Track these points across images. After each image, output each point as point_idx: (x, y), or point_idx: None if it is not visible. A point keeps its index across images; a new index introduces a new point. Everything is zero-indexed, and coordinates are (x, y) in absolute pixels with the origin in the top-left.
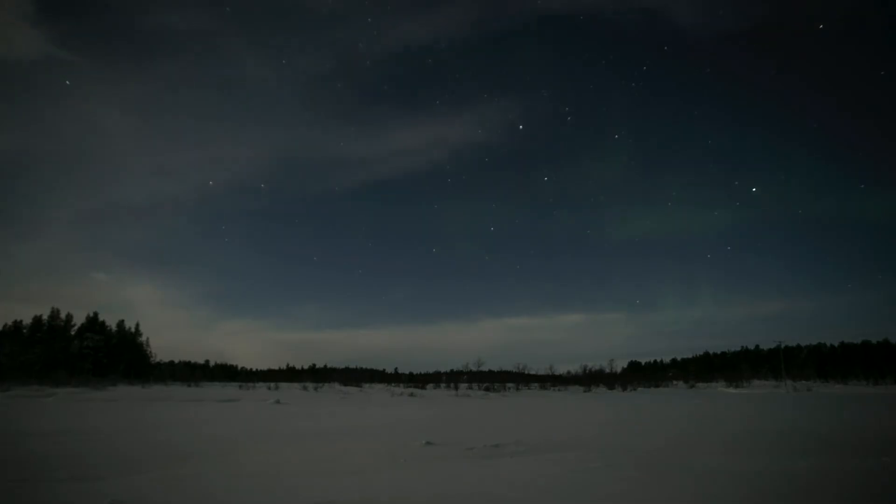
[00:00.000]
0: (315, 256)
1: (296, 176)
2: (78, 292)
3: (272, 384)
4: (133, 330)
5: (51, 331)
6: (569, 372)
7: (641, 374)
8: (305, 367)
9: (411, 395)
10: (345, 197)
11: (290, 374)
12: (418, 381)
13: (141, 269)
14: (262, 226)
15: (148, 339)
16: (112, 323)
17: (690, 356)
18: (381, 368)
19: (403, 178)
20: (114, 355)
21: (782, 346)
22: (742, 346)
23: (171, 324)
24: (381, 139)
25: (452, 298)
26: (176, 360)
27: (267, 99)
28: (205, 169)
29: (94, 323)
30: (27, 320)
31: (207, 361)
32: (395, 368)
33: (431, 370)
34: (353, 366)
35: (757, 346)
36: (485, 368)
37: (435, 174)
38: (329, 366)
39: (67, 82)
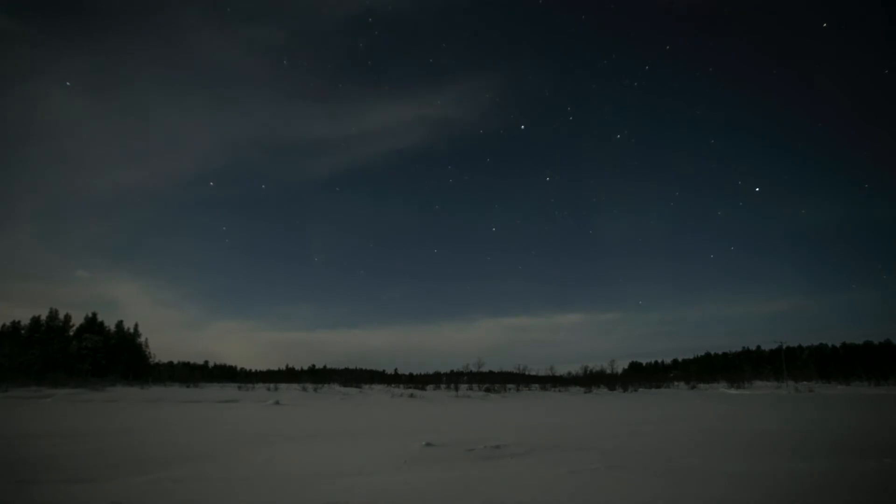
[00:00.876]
0: (316, 257)
1: (274, 162)
2: (61, 292)
3: (271, 385)
4: (132, 330)
5: (49, 331)
6: (569, 373)
7: (642, 375)
8: (298, 367)
9: (411, 395)
10: (336, 188)
11: (289, 375)
12: (418, 381)
13: (124, 267)
14: (244, 220)
15: (147, 339)
16: (111, 323)
17: (692, 357)
18: (380, 369)
19: (401, 177)
20: (112, 356)
21: (784, 346)
22: (743, 347)
23: (159, 323)
24: (366, 125)
25: (452, 299)
26: (171, 361)
27: (228, 74)
28: (172, 156)
29: (92, 323)
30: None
31: (206, 362)
32: (395, 369)
33: (431, 371)
34: (351, 366)
35: (758, 347)
36: (485, 369)
37: (434, 172)
38: (328, 366)
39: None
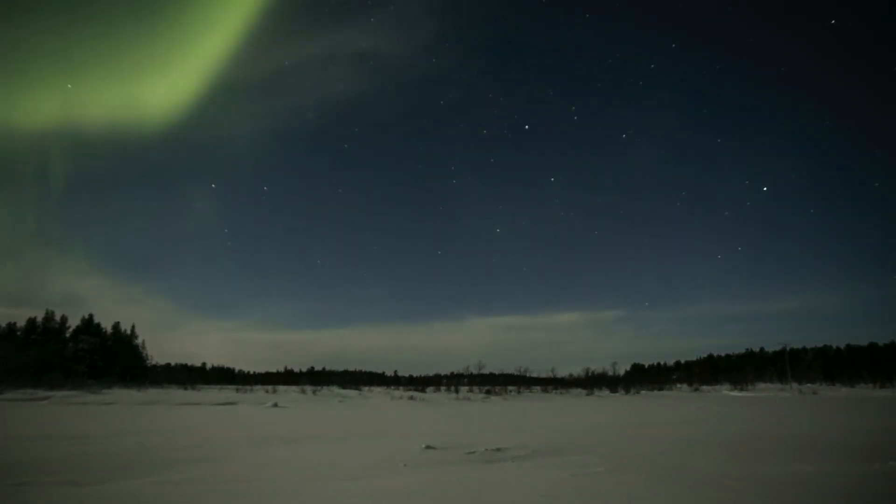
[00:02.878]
0: (318, 260)
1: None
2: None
3: (269, 387)
4: (129, 332)
5: (45, 333)
6: (571, 375)
7: (645, 377)
8: (296, 368)
9: (411, 398)
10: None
11: (287, 377)
12: (418, 383)
13: (80, 256)
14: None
15: (144, 341)
16: (107, 325)
17: (694, 359)
18: (380, 371)
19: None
20: (109, 358)
21: (787, 348)
22: (747, 349)
23: (128, 322)
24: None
25: (455, 301)
26: (168, 363)
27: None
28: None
29: (88, 325)
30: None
31: (204, 364)
32: (395, 371)
33: (431, 373)
34: (350, 368)
35: (762, 349)
36: (486, 371)
37: (438, 173)
38: (326, 368)
39: None
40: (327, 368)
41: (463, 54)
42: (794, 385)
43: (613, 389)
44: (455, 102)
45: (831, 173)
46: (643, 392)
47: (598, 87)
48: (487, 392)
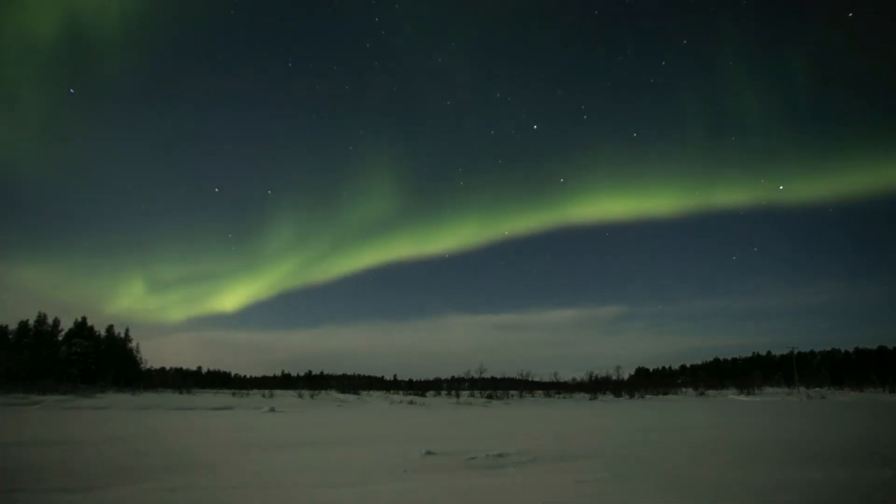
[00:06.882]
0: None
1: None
2: None
3: (266, 392)
4: (123, 335)
5: (38, 336)
6: (574, 379)
7: (649, 381)
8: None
9: (411, 402)
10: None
11: (285, 382)
12: (418, 388)
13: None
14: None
15: (138, 344)
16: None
17: (700, 363)
18: (379, 375)
19: None
20: (103, 361)
21: (795, 351)
22: (753, 353)
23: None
24: None
25: (458, 303)
26: (163, 367)
27: None
28: None
29: (82, 328)
30: None
31: (200, 368)
32: (395, 375)
33: (431, 377)
34: (349, 372)
35: (769, 353)
36: (487, 375)
37: (442, 175)
38: (324, 372)
39: None
40: (325, 372)
41: (466, 53)
42: (802, 389)
43: (618, 394)
44: (461, 102)
45: (851, 171)
46: (648, 397)
47: (608, 85)
48: (489, 397)
